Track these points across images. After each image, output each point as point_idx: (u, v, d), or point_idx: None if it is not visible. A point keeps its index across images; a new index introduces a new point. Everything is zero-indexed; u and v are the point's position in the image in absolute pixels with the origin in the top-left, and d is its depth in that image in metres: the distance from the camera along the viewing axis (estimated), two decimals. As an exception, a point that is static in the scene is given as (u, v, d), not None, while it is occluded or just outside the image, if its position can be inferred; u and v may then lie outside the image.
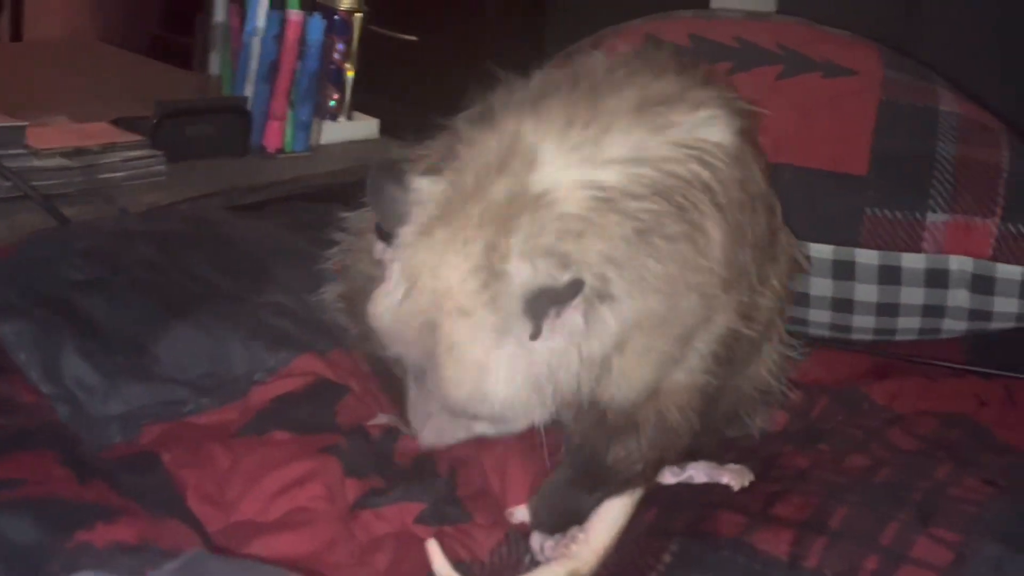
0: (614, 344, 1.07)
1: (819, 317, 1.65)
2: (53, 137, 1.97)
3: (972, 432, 1.43)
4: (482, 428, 1.16)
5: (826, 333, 1.67)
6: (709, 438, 1.30)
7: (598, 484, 1.18)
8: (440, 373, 1.04)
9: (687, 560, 1.08)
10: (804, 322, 1.66)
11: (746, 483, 1.24)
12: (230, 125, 2.21)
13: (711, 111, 1.13)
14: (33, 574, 0.67)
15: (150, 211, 1.75)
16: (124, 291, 1.34)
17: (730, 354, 1.20)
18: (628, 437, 1.17)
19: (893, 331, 1.64)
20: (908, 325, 1.62)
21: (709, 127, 1.12)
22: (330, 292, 1.40)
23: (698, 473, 1.26)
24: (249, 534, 1.08)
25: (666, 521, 1.17)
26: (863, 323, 1.63)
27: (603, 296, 1.03)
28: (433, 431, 1.16)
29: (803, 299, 1.63)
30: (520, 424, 1.11)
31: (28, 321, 1.24)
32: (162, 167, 2.02)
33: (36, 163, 1.86)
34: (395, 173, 1.08)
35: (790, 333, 1.52)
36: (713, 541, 1.10)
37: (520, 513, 1.21)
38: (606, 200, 1.03)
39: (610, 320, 1.04)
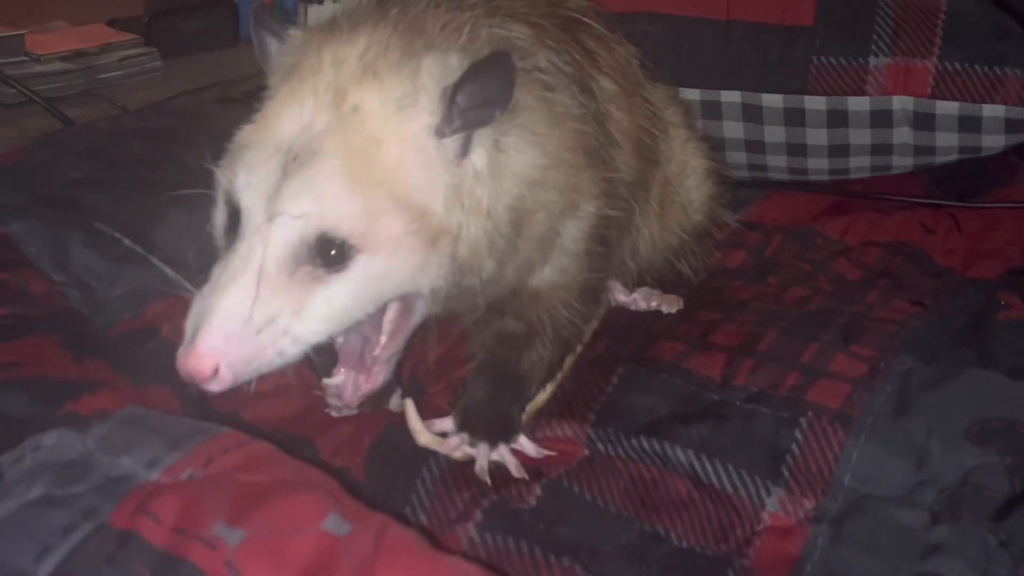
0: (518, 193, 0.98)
1: (777, 162, 1.75)
2: (52, 42, 2.08)
3: (913, 258, 1.54)
4: (334, 292, 0.92)
5: (786, 176, 1.78)
6: (651, 276, 1.41)
7: (519, 390, 1.16)
8: (332, 147, 0.90)
9: (632, 383, 1.20)
10: (764, 168, 1.77)
11: (674, 310, 1.37)
12: (219, 17, 2.31)
13: None
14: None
15: (144, 109, 1.85)
16: (122, 186, 1.45)
17: (604, 246, 1.16)
18: (533, 345, 1.14)
19: (847, 170, 1.74)
20: (860, 164, 1.72)
21: None
22: None
23: (640, 299, 1.39)
24: (244, 401, 1.19)
25: (615, 350, 1.28)
26: (818, 165, 1.73)
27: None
28: (227, 336, 0.90)
29: (759, 146, 1.73)
30: (402, 272, 0.93)
31: (36, 218, 1.35)
32: (157, 63, 2.13)
33: (38, 68, 1.98)
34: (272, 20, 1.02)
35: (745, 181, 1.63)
36: (654, 366, 1.22)
37: (441, 425, 1.15)
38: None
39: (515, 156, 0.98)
